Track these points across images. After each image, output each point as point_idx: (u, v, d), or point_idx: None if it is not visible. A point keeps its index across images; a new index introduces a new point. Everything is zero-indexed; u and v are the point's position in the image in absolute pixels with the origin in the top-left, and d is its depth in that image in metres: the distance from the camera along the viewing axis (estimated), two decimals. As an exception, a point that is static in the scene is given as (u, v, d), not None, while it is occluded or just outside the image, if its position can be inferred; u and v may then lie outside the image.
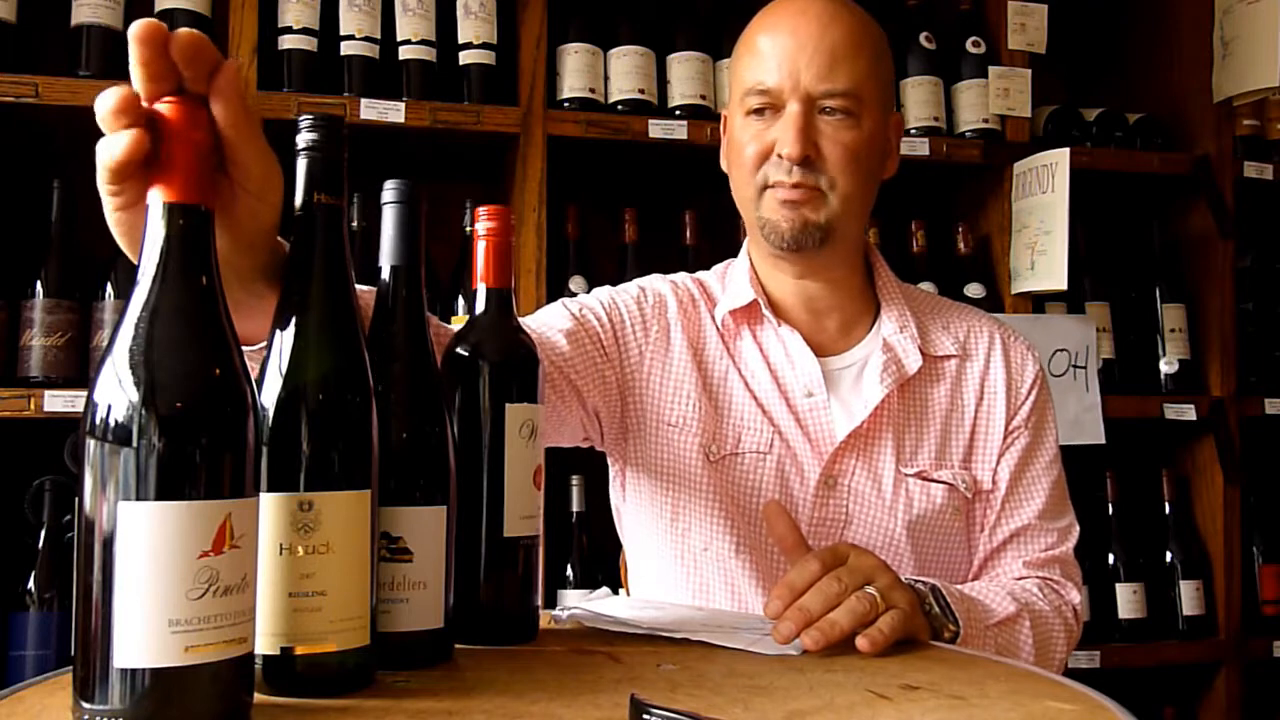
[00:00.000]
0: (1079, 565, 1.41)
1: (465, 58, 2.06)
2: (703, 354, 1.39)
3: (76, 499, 0.70)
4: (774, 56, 1.30)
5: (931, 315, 1.44)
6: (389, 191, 0.93)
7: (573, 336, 1.34)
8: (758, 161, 1.32)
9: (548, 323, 1.35)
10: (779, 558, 1.32)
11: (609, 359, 1.37)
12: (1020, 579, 1.34)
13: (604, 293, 1.44)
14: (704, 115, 2.15)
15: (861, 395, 1.36)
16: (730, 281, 1.44)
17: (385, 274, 0.93)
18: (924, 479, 1.34)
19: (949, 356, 1.41)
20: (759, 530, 1.32)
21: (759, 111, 1.32)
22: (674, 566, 1.39)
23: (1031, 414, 1.41)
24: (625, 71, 2.13)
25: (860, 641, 0.98)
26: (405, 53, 2.03)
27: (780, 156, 1.29)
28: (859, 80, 1.29)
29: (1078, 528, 1.42)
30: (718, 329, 1.41)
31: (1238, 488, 2.40)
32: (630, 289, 1.44)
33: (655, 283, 1.46)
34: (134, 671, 0.67)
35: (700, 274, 1.50)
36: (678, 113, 2.15)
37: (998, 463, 1.38)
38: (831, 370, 1.38)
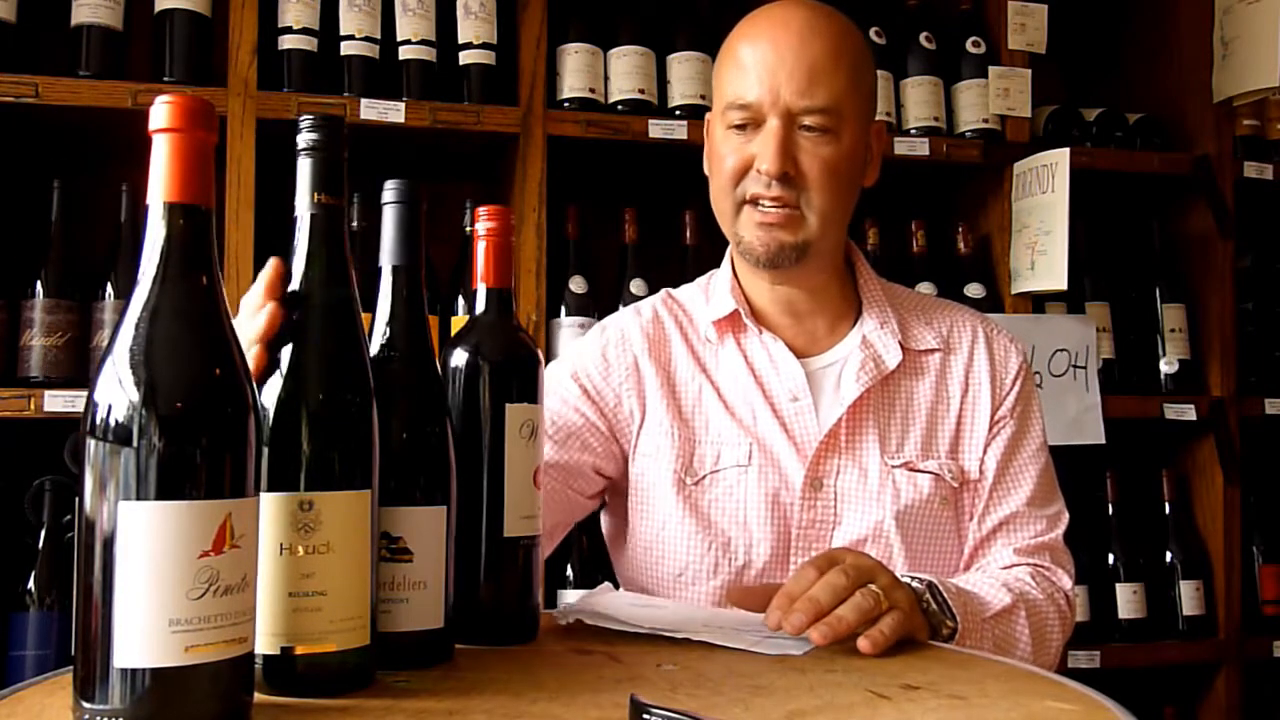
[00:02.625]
0: (1070, 552, 1.41)
1: (465, 58, 2.05)
2: (674, 378, 1.41)
3: (76, 499, 0.70)
4: (754, 70, 1.31)
5: (914, 311, 1.46)
6: (389, 191, 0.94)
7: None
8: (736, 176, 1.33)
9: None
10: (758, 576, 1.33)
11: (589, 421, 1.39)
12: (1011, 567, 1.35)
13: (567, 360, 1.45)
14: (704, 115, 2.13)
15: (840, 394, 1.37)
16: (714, 291, 1.45)
17: (385, 274, 0.93)
18: (910, 469, 1.35)
19: (932, 350, 1.42)
20: (740, 547, 1.33)
21: (740, 126, 1.33)
22: (651, 591, 1.40)
23: (1017, 404, 1.42)
24: (625, 71, 2.13)
25: (862, 642, 0.98)
26: (405, 53, 2.02)
27: (759, 171, 1.30)
28: (838, 95, 1.30)
29: (1067, 515, 1.42)
30: (689, 345, 1.42)
31: (1238, 488, 2.40)
32: (591, 341, 1.45)
33: (617, 319, 1.47)
34: (134, 671, 0.67)
35: (682, 288, 1.51)
36: (678, 113, 2.15)
37: (984, 452, 1.39)
38: (815, 370, 1.40)
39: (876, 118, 1.42)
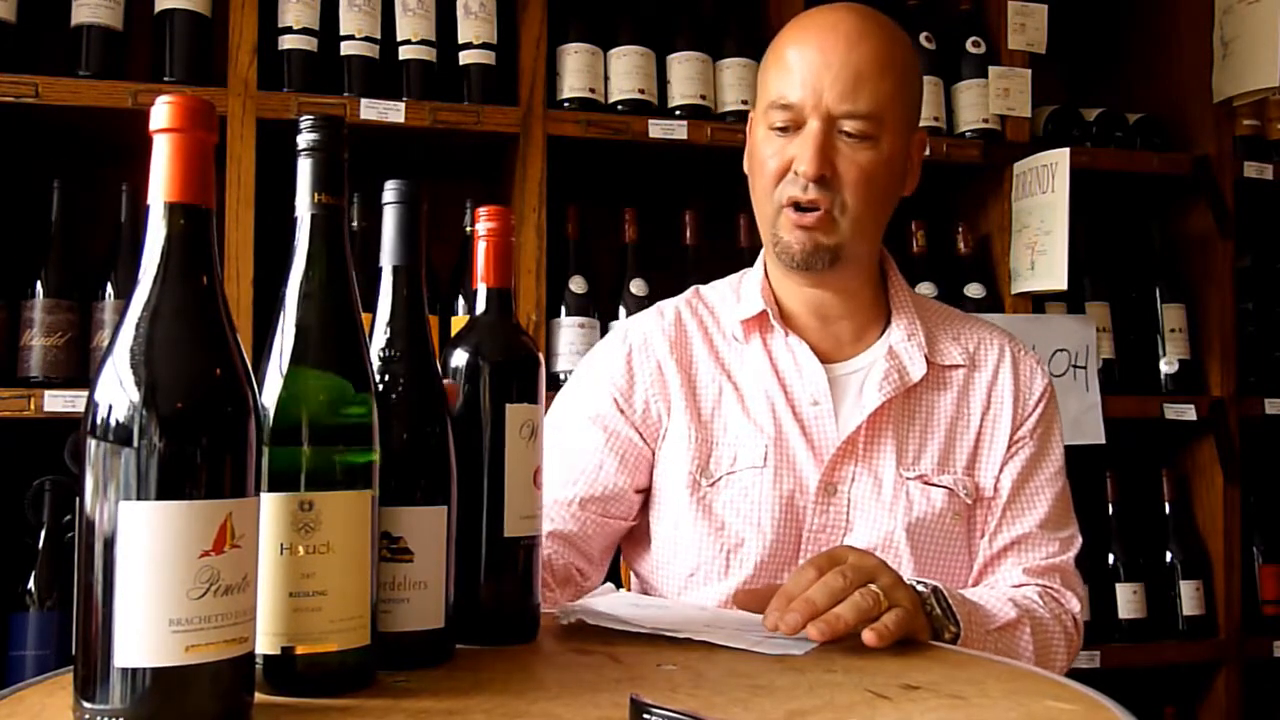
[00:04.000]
0: (1081, 577, 1.41)
1: (465, 58, 2.05)
2: (695, 380, 1.40)
3: (77, 499, 0.70)
4: (799, 72, 1.31)
5: (942, 325, 1.46)
6: (389, 192, 0.94)
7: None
8: (776, 178, 1.33)
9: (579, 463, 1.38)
10: (769, 577, 1.33)
11: (624, 436, 1.38)
12: (1020, 586, 1.35)
13: (593, 373, 1.43)
14: (704, 115, 2.14)
15: (862, 402, 1.37)
16: (744, 290, 1.45)
17: (386, 274, 0.93)
18: (925, 483, 1.35)
19: (956, 366, 1.42)
20: (753, 548, 1.33)
21: (782, 128, 1.32)
22: (659, 593, 1.41)
23: (1038, 425, 1.41)
24: (625, 71, 2.13)
25: (867, 635, 0.99)
26: (405, 53, 2.02)
27: (797, 174, 1.30)
28: (881, 102, 1.29)
29: (1080, 539, 1.42)
30: (711, 346, 1.42)
31: (1238, 488, 2.40)
32: (615, 350, 1.44)
33: (639, 322, 1.46)
34: (135, 671, 0.67)
35: (712, 284, 1.51)
36: (678, 113, 2.15)
37: (1000, 470, 1.39)
38: (838, 376, 1.40)
39: (921, 125, 1.41)
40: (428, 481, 0.90)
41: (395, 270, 0.93)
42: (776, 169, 1.33)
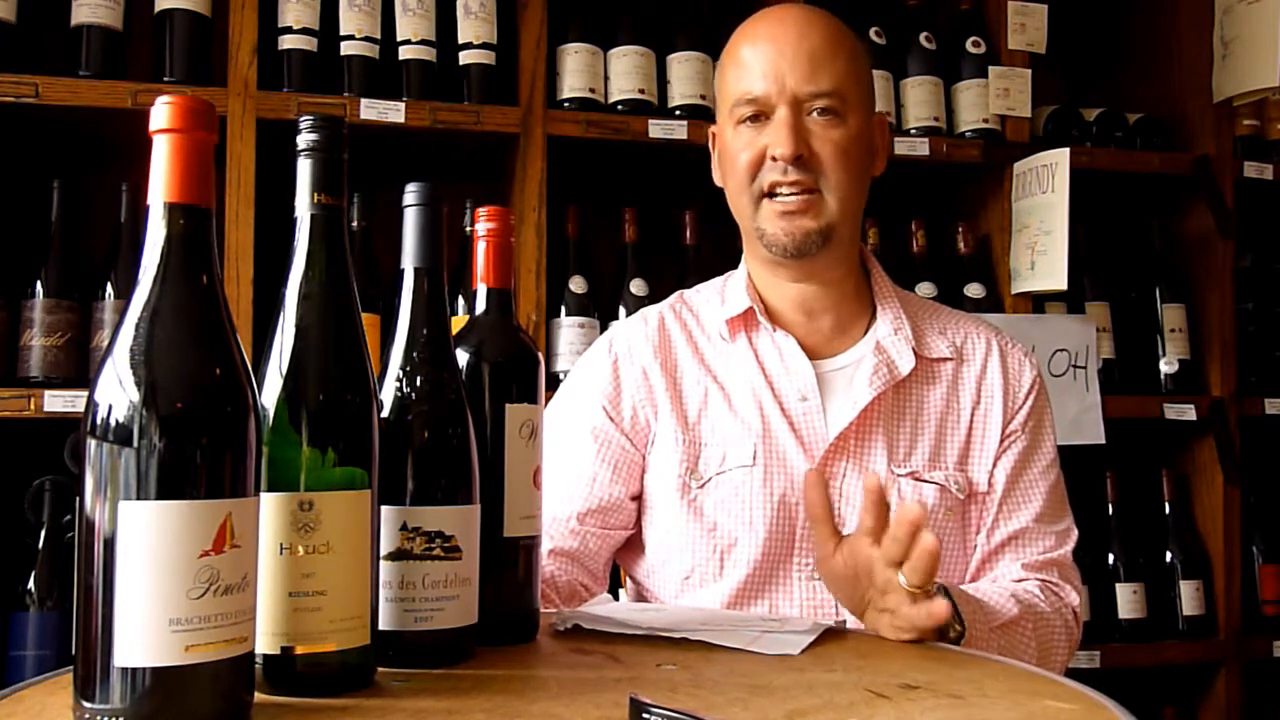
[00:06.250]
0: (1078, 568, 1.41)
1: (465, 58, 2.05)
2: (680, 384, 1.41)
3: (77, 499, 0.70)
4: (758, 65, 1.34)
5: (928, 319, 1.46)
6: (410, 194, 0.95)
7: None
8: (752, 169, 1.34)
9: (579, 470, 1.38)
10: (764, 577, 1.33)
11: (617, 444, 1.39)
12: (1019, 581, 1.35)
13: (582, 384, 1.44)
14: (704, 115, 2.14)
15: (852, 397, 1.37)
16: (728, 291, 1.46)
17: (409, 275, 0.93)
18: (916, 479, 1.35)
19: (945, 359, 1.42)
20: (747, 547, 1.33)
21: (750, 119, 1.35)
22: (655, 597, 1.41)
23: (1029, 418, 1.41)
24: (625, 71, 2.13)
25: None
26: (405, 53, 2.02)
27: (774, 158, 1.32)
28: (840, 80, 1.33)
29: (1076, 531, 1.42)
30: (696, 349, 1.42)
31: (1238, 488, 2.40)
32: (601, 359, 1.44)
33: (624, 330, 1.47)
34: (134, 670, 0.67)
35: (698, 287, 1.51)
36: (678, 113, 2.15)
37: (994, 465, 1.39)
38: (825, 373, 1.40)
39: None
40: (467, 480, 0.91)
41: (417, 272, 0.93)
42: (751, 160, 1.34)
